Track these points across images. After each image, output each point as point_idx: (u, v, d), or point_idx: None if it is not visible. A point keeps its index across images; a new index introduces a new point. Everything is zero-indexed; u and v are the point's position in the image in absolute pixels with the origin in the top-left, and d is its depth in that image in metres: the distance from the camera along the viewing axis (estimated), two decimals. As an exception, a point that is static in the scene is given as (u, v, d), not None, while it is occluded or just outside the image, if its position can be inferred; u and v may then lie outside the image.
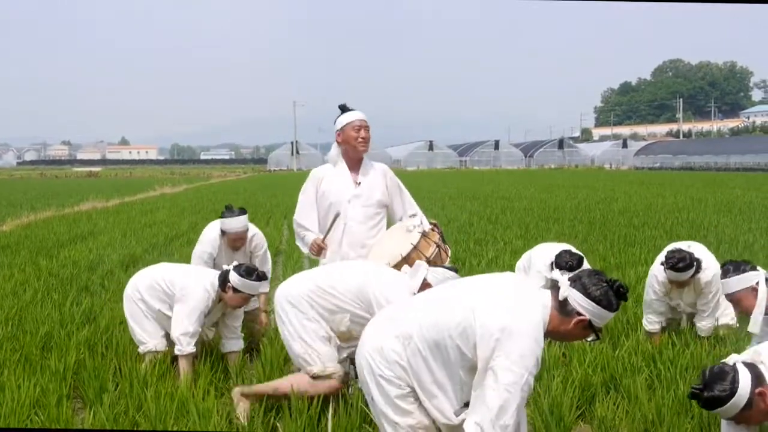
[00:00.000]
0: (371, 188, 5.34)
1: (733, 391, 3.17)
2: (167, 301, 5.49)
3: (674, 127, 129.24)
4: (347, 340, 4.38)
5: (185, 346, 5.30)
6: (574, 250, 6.63)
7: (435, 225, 5.17)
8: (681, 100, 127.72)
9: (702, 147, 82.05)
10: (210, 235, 6.52)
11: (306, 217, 5.38)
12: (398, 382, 3.30)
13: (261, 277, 5.43)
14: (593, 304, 3.18)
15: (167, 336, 5.49)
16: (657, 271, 6.15)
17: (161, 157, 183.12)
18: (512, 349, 3.05)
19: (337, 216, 5.21)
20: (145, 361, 5.38)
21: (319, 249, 5.27)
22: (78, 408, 4.99)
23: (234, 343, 5.67)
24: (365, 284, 4.32)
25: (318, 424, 4.33)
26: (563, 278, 3.27)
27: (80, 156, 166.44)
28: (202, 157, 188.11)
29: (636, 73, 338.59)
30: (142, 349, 5.49)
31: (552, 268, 6.42)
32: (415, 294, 4.06)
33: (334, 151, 5.41)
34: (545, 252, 6.74)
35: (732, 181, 37.87)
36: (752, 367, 3.23)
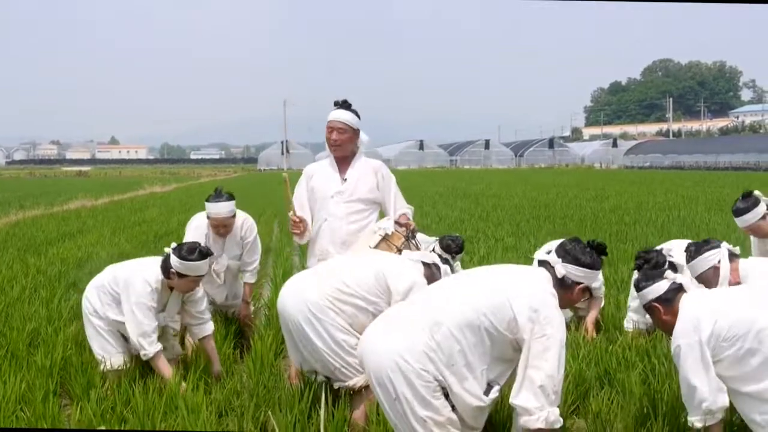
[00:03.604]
0: (357, 184, 5.25)
1: (641, 288, 3.88)
2: (116, 304, 5.07)
3: (664, 126, 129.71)
4: None
5: (148, 348, 4.88)
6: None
7: (407, 227, 5.06)
8: (671, 99, 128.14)
9: (692, 146, 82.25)
10: (194, 223, 6.17)
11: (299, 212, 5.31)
12: (426, 375, 3.39)
13: (204, 254, 5.01)
14: (587, 270, 3.64)
15: (128, 349, 5.13)
16: None
17: (151, 157, 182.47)
18: (549, 321, 3.42)
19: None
20: (107, 380, 4.98)
21: (294, 224, 5.21)
22: (65, 404, 4.92)
23: (203, 328, 5.28)
24: (379, 275, 4.25)
25: (309, 419, 4.27)
26: (553, 257, 3.65)
27: (70, 155, 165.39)
28: (192, 156, 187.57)
29: (626, 73, 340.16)
30: (101, 368, 5.06)
31: None
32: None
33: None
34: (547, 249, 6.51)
35: (722, 180, 37.96)
36: (674, 290, 3.80)
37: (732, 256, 4.60)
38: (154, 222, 16.72)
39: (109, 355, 5.08)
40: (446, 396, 3.45)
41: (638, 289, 3.91)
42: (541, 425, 3.37)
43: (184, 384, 4.76)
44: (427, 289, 3.95)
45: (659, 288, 3.82)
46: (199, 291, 5.29)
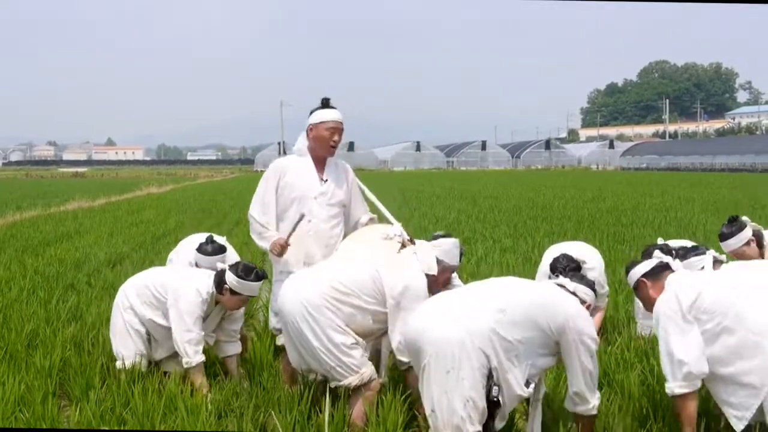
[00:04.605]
0: (336, 187, 5.17)
1: (629, 270, 4.20)
2: (159, 307, 5.08)
3: (660, 128, 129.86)
4: (368, 337, 4.32)
5: (192, 357, 4.90)
6: (576, 254, 5.91)
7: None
8: (667, 101, 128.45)
9: (688, 148, 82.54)
10: (185, 258, 6.01)
11: (264, 214, 5.10)
12: (484, 360, 3.63)
13: (260, 276, 5.04)
14: (589, 291, 4.03)
15: (147, 353, 5.17)
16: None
17: (147, 158, 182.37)
18: (589, 326, 3.81)
19: (301, 218, 4.96)
20: (122, 377, 4.96)
21: (282, 249, 4.97)
22: (64, 405, 4.90)
23: (231, 347, 5.31)
24: (376, 277, 4.26)
25: (308, 420, 4.27)
26: (566, 280, 4.02)
27: (66, 156, 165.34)
28: (189, 157, 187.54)
29: (622, 75, 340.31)
30: (118, 365, 5.09)
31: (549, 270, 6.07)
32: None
33: (302, 142, 5.18)
34: (551, 254, 6.37)
35: (718, 181, 38.02)
36: (661, 267, 4.07)
37: (716, 263, 4.69)
38: (151, 223, 16.69)
39: (128, 352, 5.10)
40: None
41: (627, 271, 4.19)
42: (594, 412, 3.87)
43: (210, 395, 4.75)
44: (480, 282, 4.17)
45: (646, 264, 4.12)
46: (241, 311, 5.36)
